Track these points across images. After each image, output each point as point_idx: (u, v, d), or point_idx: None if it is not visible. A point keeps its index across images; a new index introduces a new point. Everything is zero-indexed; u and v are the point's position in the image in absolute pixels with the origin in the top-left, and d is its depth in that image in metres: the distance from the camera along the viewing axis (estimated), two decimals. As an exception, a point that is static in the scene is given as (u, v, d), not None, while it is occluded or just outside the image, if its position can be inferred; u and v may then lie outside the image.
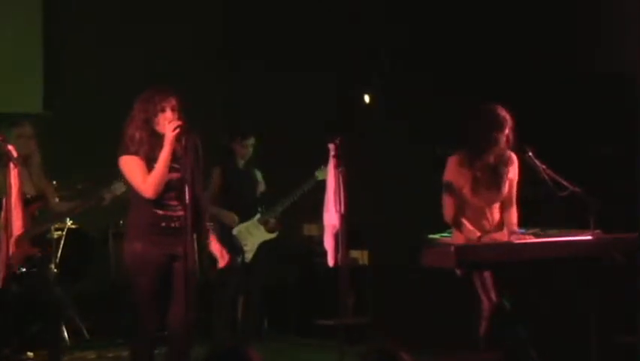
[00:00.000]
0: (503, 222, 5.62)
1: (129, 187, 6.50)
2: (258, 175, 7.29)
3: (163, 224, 5.07)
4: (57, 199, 6.33)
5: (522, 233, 5.50)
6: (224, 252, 5.33)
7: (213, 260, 5.38)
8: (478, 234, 5.45)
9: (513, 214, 5.63)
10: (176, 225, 5.05)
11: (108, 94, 8.18)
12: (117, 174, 6.54)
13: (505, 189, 5.58)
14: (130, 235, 5.17)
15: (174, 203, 5.08)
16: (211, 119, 7.98)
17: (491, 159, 5.51)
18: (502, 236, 5.51)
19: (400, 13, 7.84)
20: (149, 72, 7.94)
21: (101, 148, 6.65)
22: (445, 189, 5.55)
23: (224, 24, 9.21)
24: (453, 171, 5.56)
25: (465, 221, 5.50)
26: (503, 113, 5.46)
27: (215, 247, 5.29)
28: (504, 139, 5.47)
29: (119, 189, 6.70)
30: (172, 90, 5.13)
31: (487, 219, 5.59)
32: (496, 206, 5.63)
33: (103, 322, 7.65)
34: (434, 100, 7.29)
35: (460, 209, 5.54)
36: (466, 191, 5.52)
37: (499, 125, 5.43)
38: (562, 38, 6.76)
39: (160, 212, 5.07)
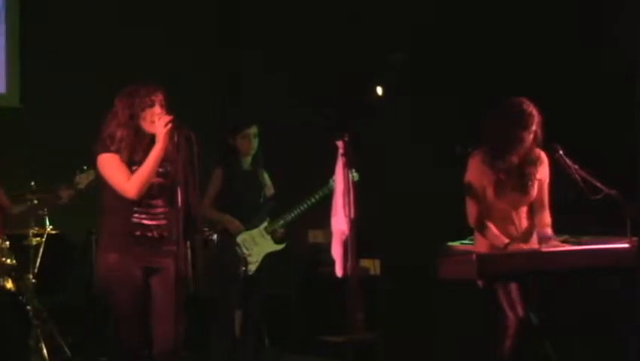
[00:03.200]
0: (531, 230, 5.59)
1: (90, 184, 6.54)
2: (266, 177, 7.15)
3: (138, 233, 5.04)
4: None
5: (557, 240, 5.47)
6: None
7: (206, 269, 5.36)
8: (506, 240, 5.40)
9: (546, 217, 5.56)
10: (154, 235, 5.04)
11: (86, 90, 8.26)
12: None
13: (534, 191, 5.55)
14: (103, 245, 5.15)
15: (157, 211, 5.06)
16: (208, 119, 8.00)
17: (514, 159, 5.48)
18: (532, 246, 5.45)
19: (414, 10, 7.89)
20: (131, 68, 7.96)
21: (77, 143, 6.69)
22: (468, 190, 5.52)
23: (218, 17, 9.22)
24: (475, 171, 5.52)
25: (491, 225, 5.47)
26: (530, 108, 5.40)
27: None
28: (530, 137, 5.44)
29: (81, 182, 6.75)
30: (158, 85, 5.10)
31: (514, 224, 5.54)
32: (524, 210, 5.59)
33: (86, 337, 7.64)
34: (452, 96, 7.30)
35: (485, 212, 5.51)
36: (490, 193, 5.49)
37: (524, 122, 5.38)
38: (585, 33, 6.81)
39: (136, 220, 5.04)
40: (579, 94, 6.78)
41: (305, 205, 7.03)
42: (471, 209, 5.53)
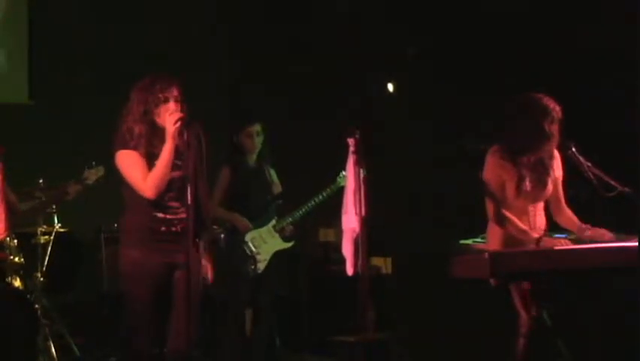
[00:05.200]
0: (545, 226, 5.60)
1: (99, 180, 6.58)
2: (273, 174, 7.18)
3: (163, 228, 5.05)
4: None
5: (565, 238, 5.47)
6: (210, 271, 5.30)
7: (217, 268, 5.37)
8: (536, 235, 5.41)
9: (568, 211, 5.61)
10: (178, 229, 5.04)
11: (96, 84, 8.29)
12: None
13: (551, 186, 5.57)
14: (126, 241, 5.15)
15: (175, 204, 5.07)
16: (217, 118, 8.03)
17: (541, 154, 5.49)
18: (561, 242, 5.42)
19: (426, 8, 7.93)
20: (140, 65, 7.99)
21: (87, 139, 6.74)
22: (487, 187, 5.51)
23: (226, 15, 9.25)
24: (495, 167, 5.51)
25: (516, 220, 5.46)
26: (553, 103, 5.44)
27: (204, 260, 5.27)
28: (556, 132, 5.46)
29: (89, 178, 6.78)
30: (174, 79, 5.11)
31: (529, 220, 5.55)
32: (541, 206, 5.60)
33: (95, 337, 7.67)
34: (463, 93, 7.32)
35: (505, 208, 5.51)
36: (510, 188, 5.49)
37: (551, 117, 5.40)
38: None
39: (161, 215, 5.06)
40: (590, 92, 6.79)
41: (313, 203, 7.08)
42: (491, 205, 5.53)
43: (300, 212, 7.10)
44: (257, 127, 7.00)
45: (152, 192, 5.01)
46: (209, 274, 5.29)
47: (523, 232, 5.44)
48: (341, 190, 6.60)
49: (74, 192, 6.78)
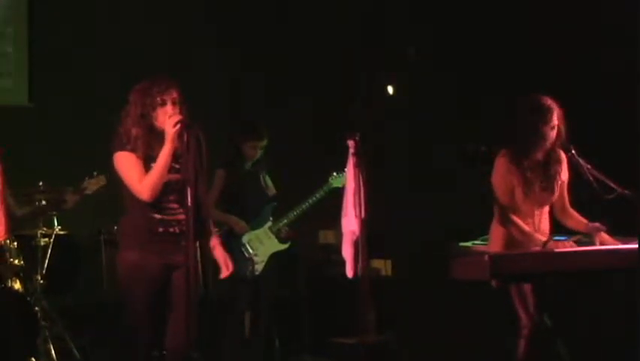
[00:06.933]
0: (549, 229, 5.62)
1: (99, 190, 6.59)
2: (268, 180, 7.23)
3: (161, 230, 5.06)
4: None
5: (567, 240, 5.48)
6: (229, 261, 5.31)
7: (216, 269, 5.38)
8: (543, 238, 5.41)
9: (575, 213, 5.63)
10: (175, 230, 5.06)
11: (95, 86, 8.29)
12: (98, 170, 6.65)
13: (558, 190, 5.58)
14: (124, 243, 5.17)
15: (174, 206, 5.07)
16: (214, 117, 8.03)
17: (539, 155, 5.51)
18: (565, 245, 5.42)
19: (426, 10, 7.94)
20: (141, 68, 7.99)
21: (86, 142, 6.73)
22: (496, 191, 5.54)
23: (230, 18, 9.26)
24: (503, 171, 5.54)
25: (522, 224, 5.48)
26: (548, 102, 5.45)
27: (219, 253, 5.28)
28: (553, 132, 5.47)
29: (89, 188, 6.80)
30: (172, 81, 5.10)
31: (534, 223, 5.57)
32: (546, 210, 5.62)
33: (95, 340, 7.68)
34: (463, 96, 7.33)
35: (512, 211, 5.52)
36: (518, 192, 5.51)
37: (545, 117, 5.42)
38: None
39: (158, 216, 5.06)
40: (593, 93, 6.81)
41: (307, 204, 7.13)
42: (498, 208, 5.55)
43: (294, 213, 7.15)
44: (264, 142, 7.05)
45: (148, 195, 5.02)
46: (229, 267, 5.28)
47: (529, 234, 5.45)
48: (333, 191, 6.67)
49: (72, 201, 6.82)
